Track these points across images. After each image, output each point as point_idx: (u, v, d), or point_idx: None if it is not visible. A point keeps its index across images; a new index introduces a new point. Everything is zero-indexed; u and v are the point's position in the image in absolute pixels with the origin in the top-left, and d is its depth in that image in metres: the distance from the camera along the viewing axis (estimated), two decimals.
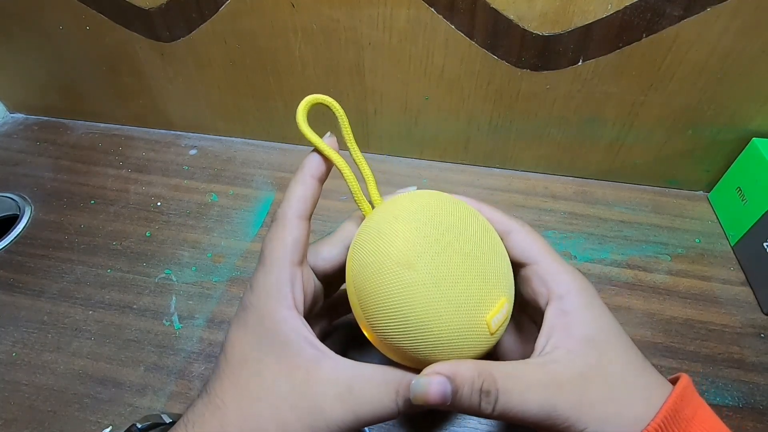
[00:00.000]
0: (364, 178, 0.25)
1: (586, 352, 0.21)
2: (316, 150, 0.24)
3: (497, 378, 0.20)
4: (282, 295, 0.22)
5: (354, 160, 0.25)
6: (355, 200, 0.24)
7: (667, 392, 0.21)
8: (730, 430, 0.21)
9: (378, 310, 0.21)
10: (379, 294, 0.20)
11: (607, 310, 0.23)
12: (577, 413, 0.20)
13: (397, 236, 0.21)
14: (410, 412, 0.21)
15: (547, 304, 0.23)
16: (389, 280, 0.20)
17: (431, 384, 0.19)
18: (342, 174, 0.24)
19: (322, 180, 0.25)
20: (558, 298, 0.23)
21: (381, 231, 0.22)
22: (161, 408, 0.32)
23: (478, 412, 0.20)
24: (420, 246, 0.21)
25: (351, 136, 0.25)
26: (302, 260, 0.23)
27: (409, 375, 0.21)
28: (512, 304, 0.23)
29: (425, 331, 0.20)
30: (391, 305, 0.20)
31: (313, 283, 0.24)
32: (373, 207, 0.24)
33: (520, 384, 0.20)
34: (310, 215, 0.24)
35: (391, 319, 0.20)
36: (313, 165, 0.24)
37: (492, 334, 0.21)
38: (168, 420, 0.29)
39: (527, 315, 0.27)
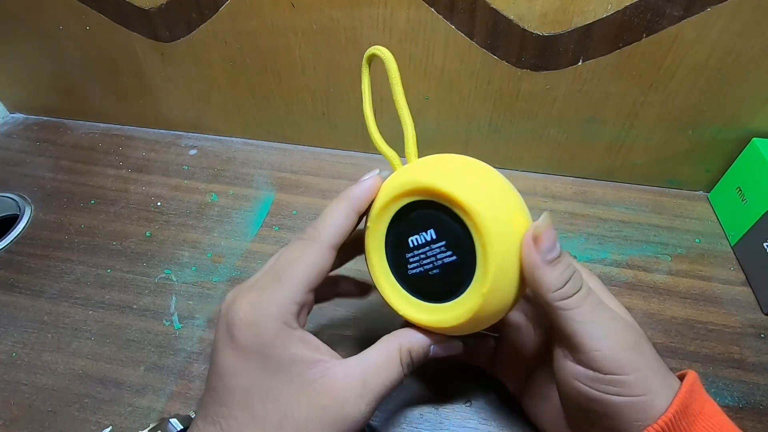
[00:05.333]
0: (403, 134, 0.25)
1: (625, 316, 0.23)
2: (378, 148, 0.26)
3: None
4: (289, 315, 0.21)
5: (398, 112, 0.25)
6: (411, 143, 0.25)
7: (677, 385, 0.22)
8: (735, 426, 0.21)
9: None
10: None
11: None
12: (643, 373, 0.21)
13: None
14: (415, 368, 0.23)
15: None
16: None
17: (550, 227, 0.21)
18: (402, 118, 0.25)
19: (361, 215, 0.24)
20: None
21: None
22: (161, 408, 0.32)
23: (549, 291, 0.21)
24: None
25: (399, 86, 0.25)
26: (317, 287, 0.23)
27: (409, 338, 0.23)
28: None
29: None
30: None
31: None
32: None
33: (602, 305, 0.22)
34: (340, 246, 0.24)
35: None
36: (361, 200, 0.24)
37: None
38: (178, 427, 0.28)
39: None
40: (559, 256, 0.21)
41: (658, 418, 0.20)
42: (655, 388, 0.21)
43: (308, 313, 0.24)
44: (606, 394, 0.21)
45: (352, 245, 0.27)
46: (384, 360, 0.22)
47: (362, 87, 0.26)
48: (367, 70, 0.26)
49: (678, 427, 0.20)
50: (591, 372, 0.21)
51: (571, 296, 0.21)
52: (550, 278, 0.21)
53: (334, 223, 0.23)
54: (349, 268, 0.29)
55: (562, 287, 0.21)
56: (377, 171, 0.25)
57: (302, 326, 0.22)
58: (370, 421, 0.31)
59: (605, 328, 0.21)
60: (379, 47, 0.25)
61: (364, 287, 0.31)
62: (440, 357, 0.25)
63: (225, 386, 0.21)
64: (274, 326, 0.21)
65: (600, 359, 0.21)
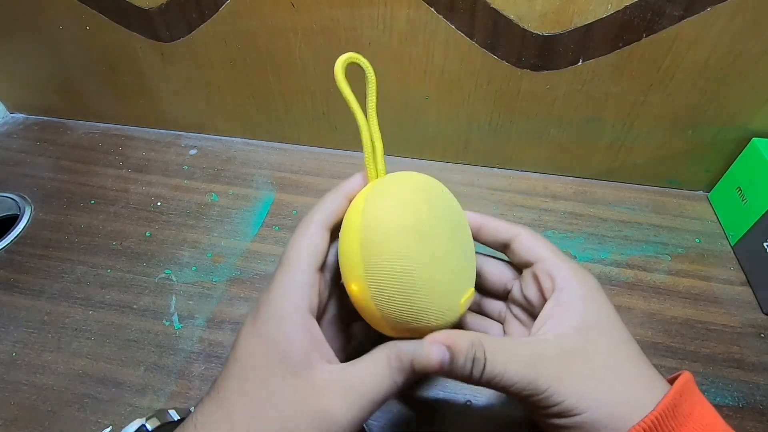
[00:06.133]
0: (374, 148, 0.26)
1: (573, 336, 0.23)
2: (356, 116, 0.25)
3: (486, 349, 0.22)
4: (298, 294, 0.22)
5: (369, 128, 0.26)
6: (366, 162, 0.26)
7: (664, 389, 0.22)
8: (728, 426, 0.21)
9: (381, 270, 0.22)
10: (389, 255, 0.21)
11: (607, 302, 0.25)
12: (556, 385, 0.21)
13: (419, 207, 0.23)
14: (407, 384, 0.22)
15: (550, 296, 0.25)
16: (404, 244, 0.22)
17: (432, 352, 0.21)
18: (361, 133, 0.25)
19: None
20: (559, 290, 0.24)
21: (404, 200, 0.23)
22: (161, 408, 0.32)
23: (468, 378, 0.22)
24: (435, 221, 0.23)
25: (374, 103, 0.26)
26: (321, 267, 0.24)
27: (397, 345, 0.22)
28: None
29: (419, 298, 0.22)
30: (397, 268, 0.21)
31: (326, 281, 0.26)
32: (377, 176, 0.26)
33: (505, 355, 0.22)
34: (333, 227, 0.25)
35: (392, 280, 0.22)
36: (350, 186, 0.26)
37: (461, 313, 0.24)
38: (176, 417, 0.29)
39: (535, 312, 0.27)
40: (451, 359, 0.21)
41: (641, 420, 0.20)
42: (597, 405, 0.21)
43: (324, 305, 0.25)
44: (551, 420, 0.22)
45: None
46: (371, 364, 0.22)
47: (348, 100, 0.25)
48: (346, 81, 0.24)
49: (663, 429, 0.20)
50: (533, 408, 0.22)
51: (481, 370, 0.21)
52: (458, 377, 0.22)
53: (324, 206, 0.25)
54: None
55: (471, 378, 0.22)
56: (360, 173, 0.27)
57: (313, 314, 0.23)
58: (369, 421, 0.31)
59: (521, 372, 0.21)
60: (358, 55, 0.25)
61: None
62: (435, 369, 0.23)
63: (234, 357, 0.22)
64: (284, 307, 0.22)
65: (530, 397, 0.21)
